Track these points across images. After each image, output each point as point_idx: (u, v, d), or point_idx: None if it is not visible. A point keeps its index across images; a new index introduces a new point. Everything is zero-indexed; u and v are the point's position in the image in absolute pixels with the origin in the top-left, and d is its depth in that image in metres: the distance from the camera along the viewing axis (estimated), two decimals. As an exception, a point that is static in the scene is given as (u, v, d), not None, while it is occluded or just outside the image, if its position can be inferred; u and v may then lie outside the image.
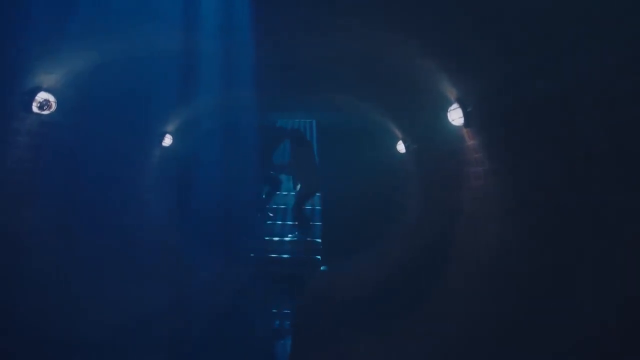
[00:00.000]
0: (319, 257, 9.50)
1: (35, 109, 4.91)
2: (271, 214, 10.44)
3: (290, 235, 10.07)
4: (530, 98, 3.55)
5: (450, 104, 5.17)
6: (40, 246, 5.56)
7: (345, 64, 6.45)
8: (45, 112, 5.04)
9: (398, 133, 8.37)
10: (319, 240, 9.95)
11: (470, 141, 5.04)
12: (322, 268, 9.32)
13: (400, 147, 8.36)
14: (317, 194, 10.25)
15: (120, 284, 6.36)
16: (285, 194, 10.90)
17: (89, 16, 4.64)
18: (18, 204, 5.17)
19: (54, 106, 5.09)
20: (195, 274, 7.77)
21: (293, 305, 8.01)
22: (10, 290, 4.87)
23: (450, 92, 5.00)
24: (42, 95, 4.94)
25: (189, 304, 6.82)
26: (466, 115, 4.80)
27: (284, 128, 10.69)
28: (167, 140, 8.45)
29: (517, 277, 4.15)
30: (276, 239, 10.03)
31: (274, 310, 7.84)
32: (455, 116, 4.93)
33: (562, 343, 3.50)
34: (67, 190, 5.97)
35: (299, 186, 10.09)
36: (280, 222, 10.57)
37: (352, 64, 6.34)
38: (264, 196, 10.18)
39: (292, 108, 10.04)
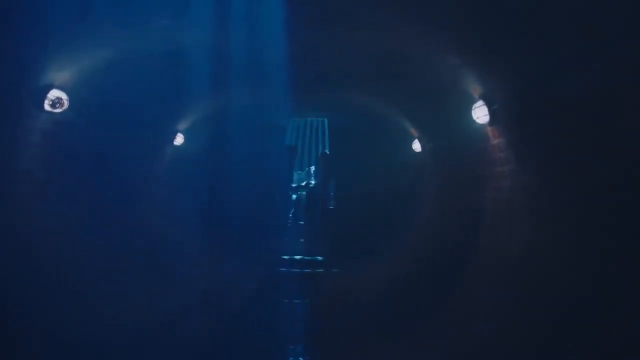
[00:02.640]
0: (331, 258, 9.36)
1: (47, 107, 4.80)
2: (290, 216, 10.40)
3: (302, 239, 9.96)
4: (567, 95, 3.39)
5: (472, 102, 5.01)
6: (52, 247, 5.46)
7: (360, 61, 6.30)
8: (58, 110, 4.93)
9: (413, 132, 8.21)
10: (331, 240, 9.80)
11: (495, 140, 4.87)
12: (334, 269, 9.19)
13: (416, 145, 8.20)
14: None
15: (134, 285, 6.26)
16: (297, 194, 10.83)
17: (103, 12, 4.53)
18: (30, 204, 5.06)
19: (66, 104, 4.98)
20: (209, 274, 7.65)
21: (305, 306, 7.90)
22: (22, 291, 4.78)
23: (475, 89, 4.84)
24: (54, 93, 4.83)
25: (204, 304, 6.72)
26: (492, 113, 4.63)
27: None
28: (179, 139, 8.35)
29: (548, 280, 3.99)
30: (289, 240, 9.93)
31: (287, 311, 7.72)
32: (480, 114, 4.77)
33: (594, 351, 3.37)
34: (79, 189, 5.87)
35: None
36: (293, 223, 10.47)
37: (368, 60, 6.19)
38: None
39: (304, 107, 9.90)
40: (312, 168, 11.06)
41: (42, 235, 5.31)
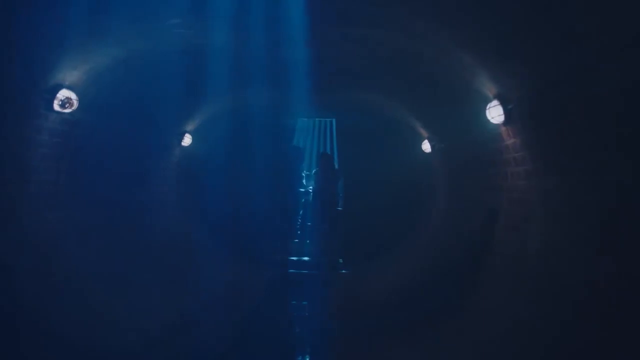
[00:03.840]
0: (340, 259, 9.29)
1: (56, 107, 4.77)
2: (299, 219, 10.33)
3: (311, 241, 9.88)
4: (589, 94, 3.29)
5: (486, 102, 4.92)
6: (61, 247, 5.41)
7: (371, 60, 6.22)
8: (67, 110, 4.89)
9: (423, 132, 8.13)
10: (340, 242, 9.72)
11: (510, 140, 4.78)
12: (343, 271, 9.11)
13: (426, 146, 8.12)
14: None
15: (144, 287, 6.21)
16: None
17: (114, 10, 4.49)
18: (41, 205, 5.02)
19: (75, 104, 4.94)
20: (218, 276, 7.60)
21: (314, 308, 7.83)
22: (31, 293, 4.73)
23: (489, 88, 4.75)
24: (63, 93, 4.80)
25: (213, 306, 6.66)
26: (507, 112, 4.55)
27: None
28: (187, 140, 8.31)
29: (566, 283, 3.91)
30: (298, 241, 9.86)
31: (295, 314, 7.66)
32: (495, 114, 4.68)
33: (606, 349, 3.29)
34: (87, 190, 5.83)
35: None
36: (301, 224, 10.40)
37: (379, 60, 6.12)
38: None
39: (313, 107, 9.84)
40: (314, 170, 10.97)
41: (52, 235, 5.28)
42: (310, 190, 10.62)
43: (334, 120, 11.56)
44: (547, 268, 4.21)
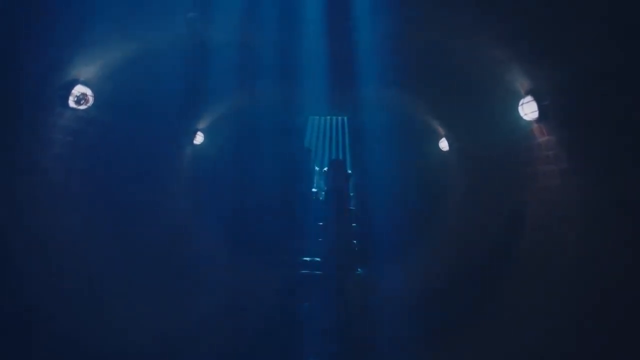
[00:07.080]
0: (354, 259, 9.11)
1: (71, 103, 4.60)
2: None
3: (323, 241, 9.69)
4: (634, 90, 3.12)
5: (516, 98, 4.73)
6: (72, 248, 5.26)
7: (391, 55, 6.03)
8: (82, 107, 4.72)
9: (440, 130, 7.94)
10: (353, 242, 9.55)
11: (542, 137, 4.59)
12: (358, 271, 8.94)
13: (444, 144, 7.93)
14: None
15: (155, 289, 6.06)
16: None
17: (128, 5, 4.34)
18: (53, 207, 4.87)
19: (91, 100, 4.78)
20: (230, 277, 7.45)
21: (328, 310, 7.67)
22: (42, 296, 4.60)
23: (522, 84, 4.56)
24: (79, 89, 4.63)
25: (225, 309, 6.52)
26: (541, 108, 4.35)
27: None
28: (199, 139, 8.16)
29: (605, 285, 3.73)
30: (310, 241, 9.67)
31: (309, 315, 7.50)
32: (528, 110, 4.48)
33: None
34: (98, 190, 5.67)
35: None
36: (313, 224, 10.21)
37: (401, 55, 5.92)
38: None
39: (324, 105, 9.68)
40: (325, 170, 10.80)
41: (63, 236, 5.12)
42: (322, 190, 10.44)
43: (345, 119, 11.42)
44: (585, 270, 4.03)
